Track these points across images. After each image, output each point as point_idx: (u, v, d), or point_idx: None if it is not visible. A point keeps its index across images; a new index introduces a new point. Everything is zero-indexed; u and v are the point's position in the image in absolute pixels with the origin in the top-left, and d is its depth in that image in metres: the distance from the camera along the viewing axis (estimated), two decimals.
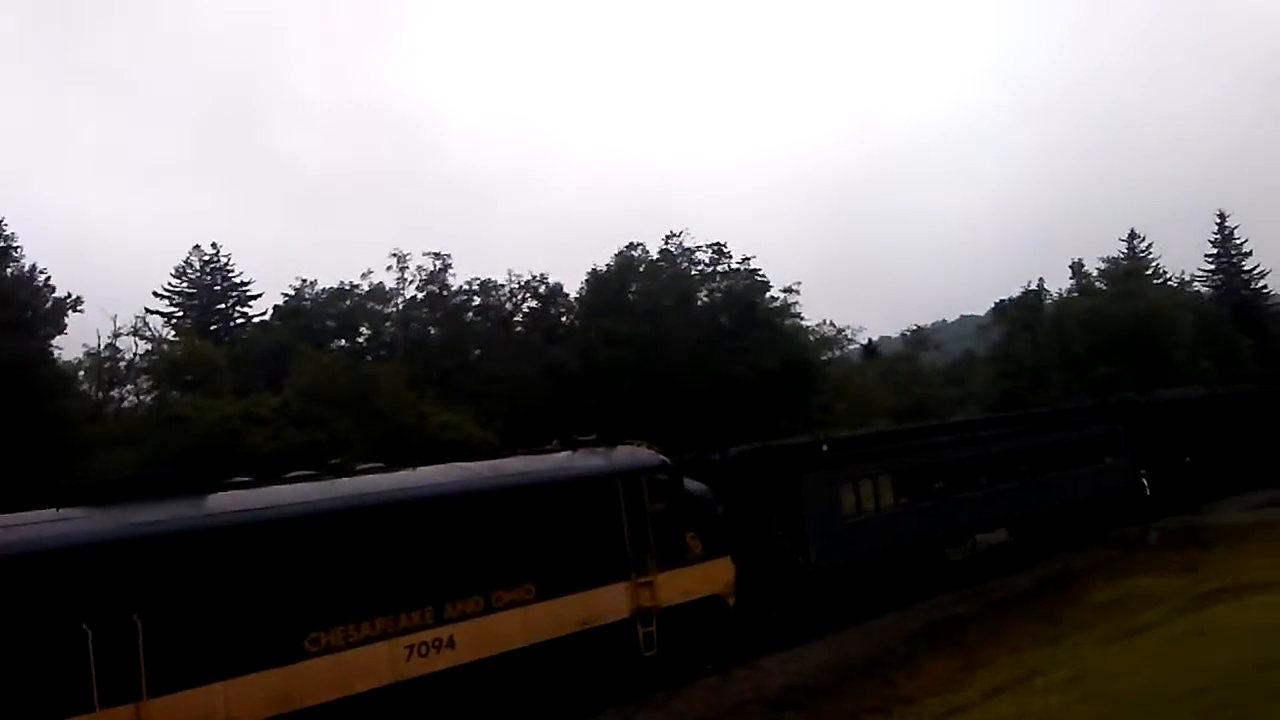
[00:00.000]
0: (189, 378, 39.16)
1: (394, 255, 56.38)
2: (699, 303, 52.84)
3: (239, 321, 64.31)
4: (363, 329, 60.69)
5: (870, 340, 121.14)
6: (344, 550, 12.47)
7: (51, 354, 38.62)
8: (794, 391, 50.78)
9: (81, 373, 44.71)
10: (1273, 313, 69.15)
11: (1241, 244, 70.42)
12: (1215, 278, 70.85)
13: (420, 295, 56.14)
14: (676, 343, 50.25)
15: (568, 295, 54.23)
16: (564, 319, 54.05)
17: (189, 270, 65.34)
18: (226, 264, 65.36)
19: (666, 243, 53.59)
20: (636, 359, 49.42)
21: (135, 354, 45.99)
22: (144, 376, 43.51)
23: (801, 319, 63.61)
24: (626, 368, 49.17)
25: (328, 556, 12.29)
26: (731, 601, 17.47)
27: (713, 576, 17.11)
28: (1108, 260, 62.59)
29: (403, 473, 14.44)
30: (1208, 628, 12.71)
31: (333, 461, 14.14)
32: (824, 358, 64.29)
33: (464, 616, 13.35)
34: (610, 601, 15.28)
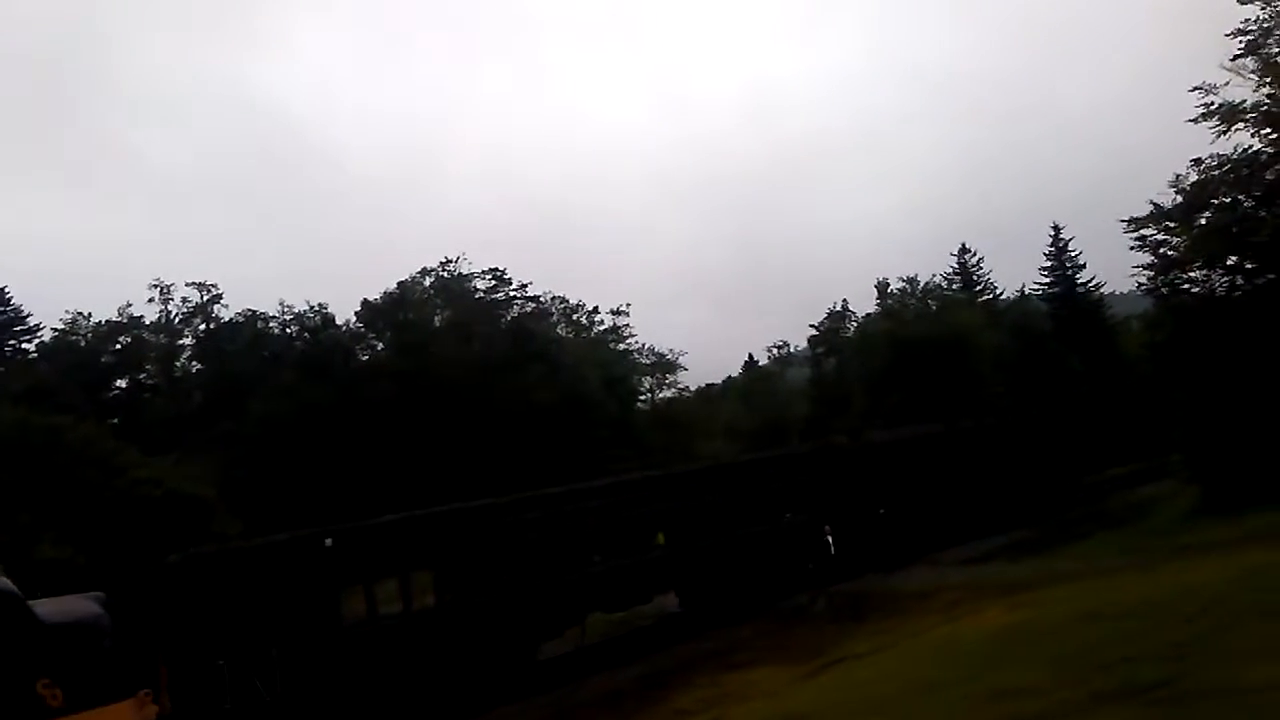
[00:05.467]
0: None
1: (155, 286, 52.43)
2: (478, 332, 49.25)
3: (15, 358, 59.67)
4: (148, 366, 56.69)
5: (750, 356, 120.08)
6: None
7: None
8: (580, 426, 47.48)
9: None
10: (1106, 326, 67.52)
11: (1077, 255, 68.70)
12: (1051, 290, 68.86)
13: (187, 330, 52.19)
14: (450, 377, 46.69)
15: (340, 328, 50.34)
16: (334, 352, 50.19)
17: None
18: (4, 290, 60.87)
19: (443, 269, 49.95)
20: (403, 395, 45.85)
21: None
22: None
23: (629, 341, 61.02)
24: (392, 404, 45.57)
25: None
26: None
27: None
28: (907, 280, 59.90)
29: None
30: None
31: None
32: (646, 385, 61.50)
33: None
34: None
